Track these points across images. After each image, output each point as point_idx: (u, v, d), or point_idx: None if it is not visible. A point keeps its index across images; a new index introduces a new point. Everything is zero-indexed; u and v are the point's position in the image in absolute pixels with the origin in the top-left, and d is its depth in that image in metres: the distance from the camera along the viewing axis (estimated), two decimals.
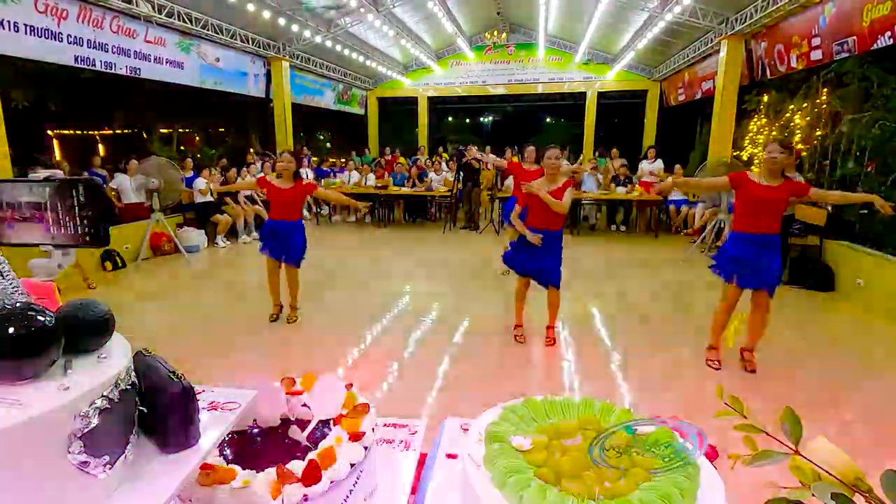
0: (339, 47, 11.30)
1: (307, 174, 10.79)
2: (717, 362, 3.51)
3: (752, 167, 8.63)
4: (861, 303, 4.99)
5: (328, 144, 18.49)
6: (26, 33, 5.69)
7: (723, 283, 3.43)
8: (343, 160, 12.27)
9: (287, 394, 1.38)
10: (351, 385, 1.42)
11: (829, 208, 5.78)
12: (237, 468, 1.07)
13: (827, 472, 0.67)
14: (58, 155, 13.02)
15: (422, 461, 1.35)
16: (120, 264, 6.32)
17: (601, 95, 14.45)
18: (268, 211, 4.54)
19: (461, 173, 9.41)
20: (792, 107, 8.32)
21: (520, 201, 3.73)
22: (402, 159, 11.72)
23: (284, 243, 4.19)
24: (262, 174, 8.29)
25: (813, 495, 0.67)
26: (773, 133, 8.77)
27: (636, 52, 11.48)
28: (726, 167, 6.56)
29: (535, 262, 3.74)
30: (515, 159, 6.57)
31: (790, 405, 0.74)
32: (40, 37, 5.86)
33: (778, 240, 3.29)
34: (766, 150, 3.26)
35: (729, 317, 3.45)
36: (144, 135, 13.42)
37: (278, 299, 4.47)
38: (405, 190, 9.78)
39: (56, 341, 0.64)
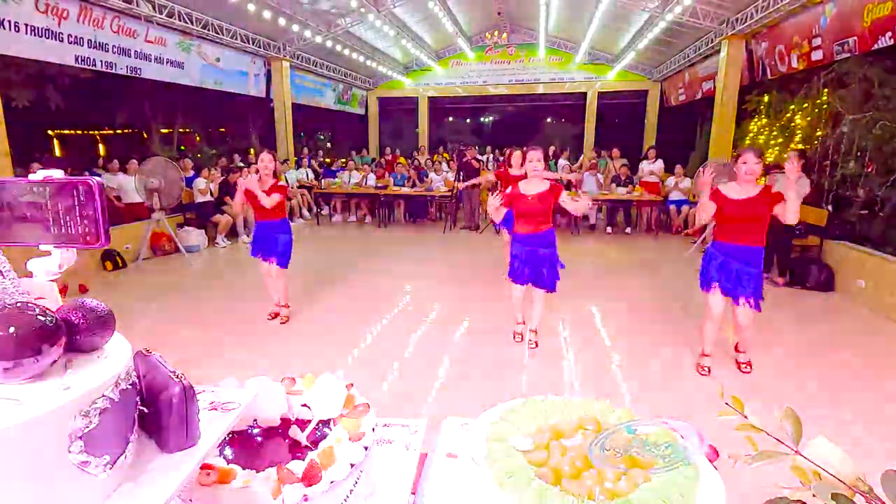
0: (339, 47, 11.31)
1: (307, 174, 10.81)
2: (706, 369, 3.47)
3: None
4: (861, 303, 4.99)
5: (328, 144, 18.50)
6: (26, 33, 5.69)
7: (705, 295, 3.35)
8: (343, 160, 12.28)
9: (287, 394, 1.38)
10: (351, 385, 1.42)
11: (829, 208, 5.77)
12: (237, 468, 1.07)
13: (827, 472, 0.67)
14: (58, 155, 13.03)
15: (422, 461, 1.35)
16: (120, 264, 6.33)
17: (601, 95, 14.46)
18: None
19: (461, 173, 9.42)
20: (792, 107, 8.30)
21: (504, 203, 3.65)
22: (402, 159, 11.73)
23: (270, 242, 4.21)
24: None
25: (813, 495, 0.67)
26: (774, 133, 8.77)
27: (636, 52, 11.49)
28: (727, 168, 6.56)
29: (535, 268, 3.62)
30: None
31: (790, 405, 0.74)
32: (40, 37, 5.86)
33: (761, 252, 3.15)
34: (740, 161, 3.08)
35: (716, 327, 3.39)
36: (144, 135, 13.42)
37: (278, 297, 4.50)
38: (405, 190, 9.78)
39: (56, 341, 0.64)
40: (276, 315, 4.48)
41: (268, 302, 4.56)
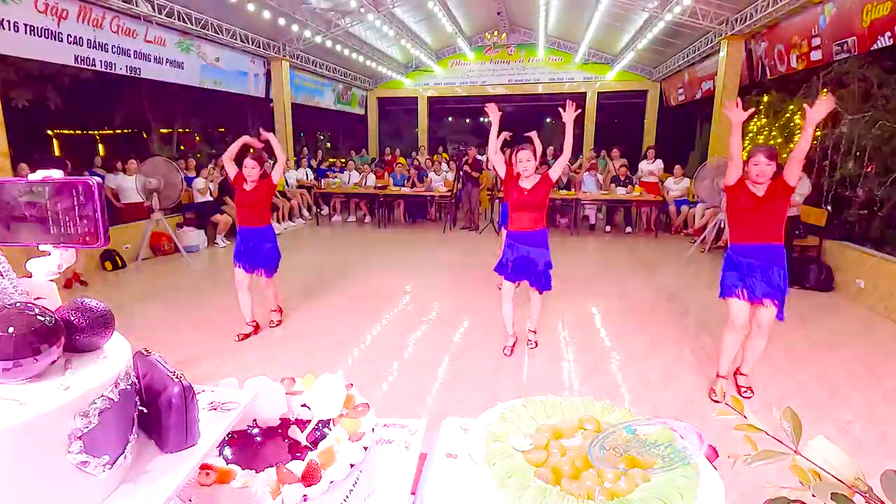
0: (339, 47, 11.30)
1: (307, 174, 10.80)
2: (724, 395, 3.09)
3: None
4: (860, 303, 4.99)
5: (328, 144, 18.50)
6: (26, 33, 5.68)
7: (727, 304, 3.02)
8: (343, 160, 12.28)
9: (287, 394, 1.38)
10: (351, 385, 1.42)
11: (829, 208, 5.77)
12: (237, 468, 1.07)
13: (827, 472, 0.67)
14: (56, 154, 13.03)
15: (422, 461, 1.35)
16: (120, 264, 6.32)
17: (601, 95, 14.45)
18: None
19: (461, 173, 9.41)
20: (792, 107, 8.31)
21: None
22: (401, 159, 11.72)
23: (255, 252, 3.96)
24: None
25: (813, 495, 0.67)
26: (774, 133, 8.77)
27: (636, 52, 11.48)
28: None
29: (528, 266, 3.54)
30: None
31: (790, 405, 0.74)
32: (40, 37, 5.85)
33: (782, 250, 2.91)
34: (751, 162, 2.84)
35: (739, 340, 3.06)
36: (144, 135, 13.43)
37: (252, 316, 4.13)
38: (405, 190, 9.78)
39: (56, 341, 0.64)
40: (246, 336, 4.06)
41: (265, 302, 4.34)
